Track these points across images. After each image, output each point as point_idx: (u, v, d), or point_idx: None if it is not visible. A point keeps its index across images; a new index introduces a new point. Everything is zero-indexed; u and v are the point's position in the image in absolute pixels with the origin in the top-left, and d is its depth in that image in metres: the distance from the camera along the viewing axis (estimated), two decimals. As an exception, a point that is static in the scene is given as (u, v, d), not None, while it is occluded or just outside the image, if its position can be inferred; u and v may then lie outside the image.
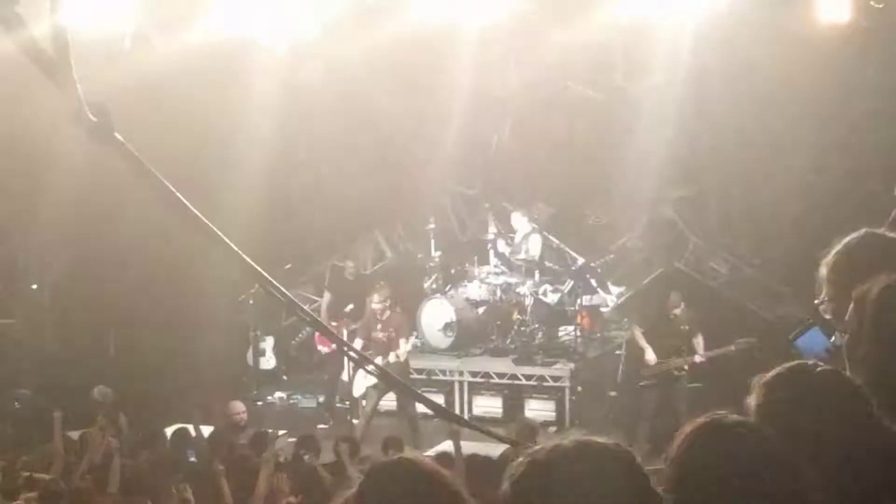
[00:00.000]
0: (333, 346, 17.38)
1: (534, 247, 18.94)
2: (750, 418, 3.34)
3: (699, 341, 15.27)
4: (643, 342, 15.37)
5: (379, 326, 16.41)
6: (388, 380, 13.27)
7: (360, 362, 13.60)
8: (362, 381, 16.41)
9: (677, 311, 15.28)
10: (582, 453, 2.85)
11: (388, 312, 16.52)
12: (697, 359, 15.08)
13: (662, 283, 19.90)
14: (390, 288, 17.18)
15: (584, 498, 2.75)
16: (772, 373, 3.62)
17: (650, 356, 15.19)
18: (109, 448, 12.48)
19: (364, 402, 16.70)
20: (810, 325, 5.88)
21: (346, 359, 17.04)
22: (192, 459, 12.87)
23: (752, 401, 3.57)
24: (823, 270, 4.47)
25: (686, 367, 15.18)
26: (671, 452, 3.14)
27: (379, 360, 16.12)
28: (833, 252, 4.43)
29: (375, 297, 16.63)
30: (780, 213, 19.43)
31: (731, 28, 17.70)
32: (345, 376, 17.23)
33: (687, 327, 15.24)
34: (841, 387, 3.52)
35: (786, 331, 18.02)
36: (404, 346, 16.52)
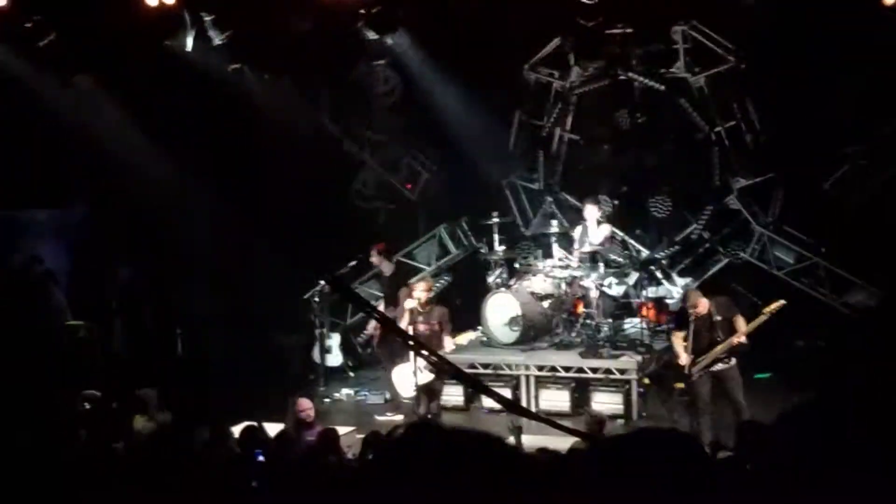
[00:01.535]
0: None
1: (599, 236, 18.79)
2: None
3: (741, 323, 15.07)
4: (679, 348, 15.24)
5: (421, 318, 16.29)
6: (458, 375, 13.27)
7: (436, 363, 13.54)
8: (409, 381, 16.22)
9: (700, 310, 15.04)
10: (647, 439, 2.87)
11: (429, 305, 16.45)
12: (736, 340, 14.90)
13: (728, 274, 19.84)
14: (432, 280, 17.21)
15: (648, 477, 2.77)
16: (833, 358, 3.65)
17: (683, 360, 15.10)
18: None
19: (414, 404, 16.55)
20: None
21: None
22: (260, 459, 12.93)
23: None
24: None
25: (726, 355, 14.99)
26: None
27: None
28: None
29: (418, 288, 16.56)
30: (847, 201, 19.29)
31: (794, 13, 17.61)
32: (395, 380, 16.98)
33: (719, 318, 15.05)
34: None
35: (854, 319, 17.96)
36: (449, 344, 16.33)
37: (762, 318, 14.91)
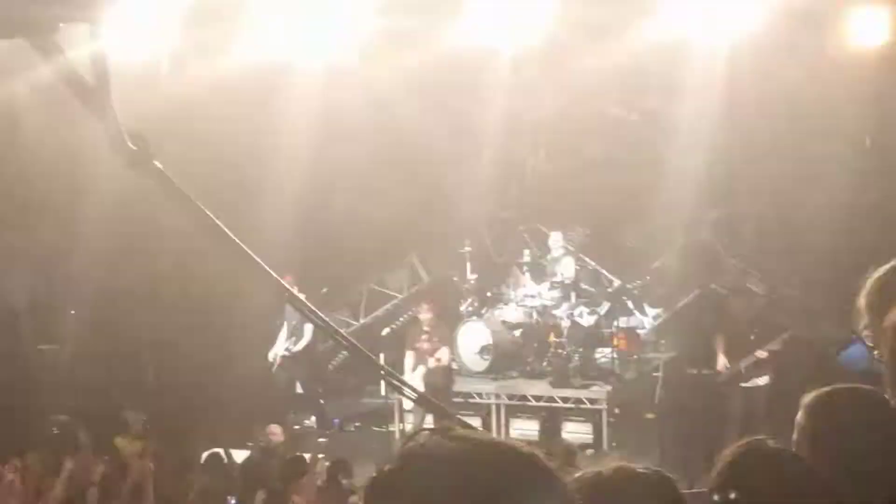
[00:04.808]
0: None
1: (566, 269, 18.95)
2: (786, 448, 3.33)
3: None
4: (720, 351, 15.53)
5: (424, 336, 17.04)
6: (423, 403, 13.20)
7: (405, 390, 13.54)
8: None
9: (737, 310, 15.58)
10: (622, 481, 2.84)
11: (435, 322, 17.35)
12: (759, 353, 15.22)
13: (699, 305, 19.86)
14: (439, 302, 17.87)
15: None
16: (814, 394, 3.62)
17: (720, 364, 15.44)
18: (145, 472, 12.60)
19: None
20: (854, 340, 5.83)
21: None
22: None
23: (799, 420, 3.58)
24: (861, 298, 4.34)
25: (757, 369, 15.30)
26: (712, 476, 3.13)
27: (421, 368, 16.47)
28: (870, 279, 4.31)
29: (425, 308, 17.52)
30: (817, 234, 19.34)
31: (766, 50, 17.69)
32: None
33: (758, 330, 15.51)
34: (882, 410, 3.51)
35: (825, 350, 18.03)
36: (446, 351, 17.23)
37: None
